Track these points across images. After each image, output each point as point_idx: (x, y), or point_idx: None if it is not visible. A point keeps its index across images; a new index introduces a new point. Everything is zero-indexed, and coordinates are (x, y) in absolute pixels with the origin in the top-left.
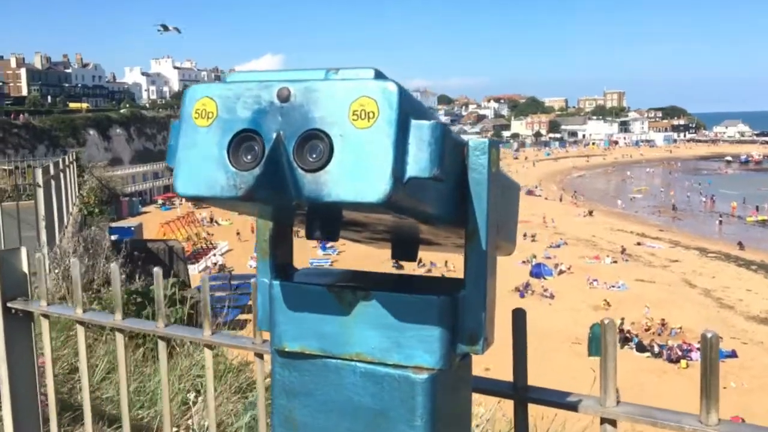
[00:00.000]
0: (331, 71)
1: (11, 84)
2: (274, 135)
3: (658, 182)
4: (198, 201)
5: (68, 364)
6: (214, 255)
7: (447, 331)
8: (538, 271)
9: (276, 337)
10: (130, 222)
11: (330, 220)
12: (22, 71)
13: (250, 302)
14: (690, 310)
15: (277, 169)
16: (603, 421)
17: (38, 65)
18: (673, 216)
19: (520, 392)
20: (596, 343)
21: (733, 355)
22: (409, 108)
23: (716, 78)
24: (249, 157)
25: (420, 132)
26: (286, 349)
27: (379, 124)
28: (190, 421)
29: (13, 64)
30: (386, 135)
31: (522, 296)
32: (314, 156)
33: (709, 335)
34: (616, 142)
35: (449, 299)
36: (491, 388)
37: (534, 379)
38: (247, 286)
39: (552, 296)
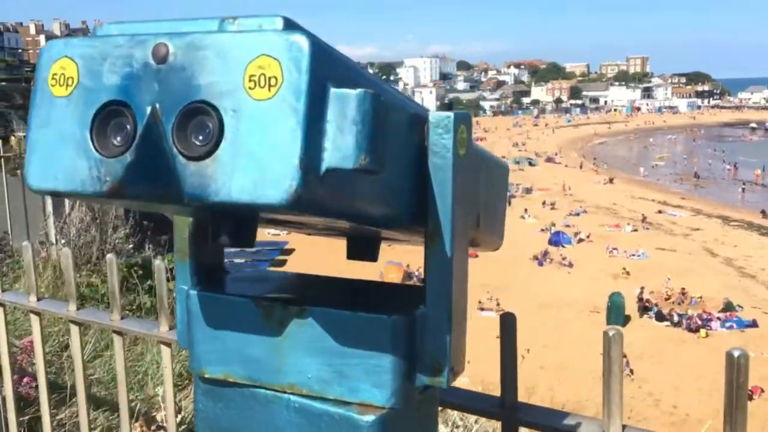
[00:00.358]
0: (227, 21)
1: (30, 51)
2: (149, 109)
3: (681, 149)
4: (56, 196)
5: (58, 342)
6: None
7: (401, 359)
8: (557, 240)
9: (194, 360)
10: None
11: (241, 222)
12: (41, 38)
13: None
14: (711, 279)
15: (154, 156)
16: None
17: (57, 32)
18: (695, 184)
19: (508, 411)
20: (614, 312)
21: (753, 324)
22: (327, 71)
23: (742, 43)
24: (118, 138)
25: (343, 105)
26: (207, 375)
27: (283, 95)
28: (183, 403)
29: (33, 30)
30: (293, 110)
31: (540, 264)
32: (200, 138)
33: (736, 354)
34: (639, 109)
35: (405, 319)
36: (473, 405)
37: (549, 349)
38: (266, 253)
39: (571, 265)
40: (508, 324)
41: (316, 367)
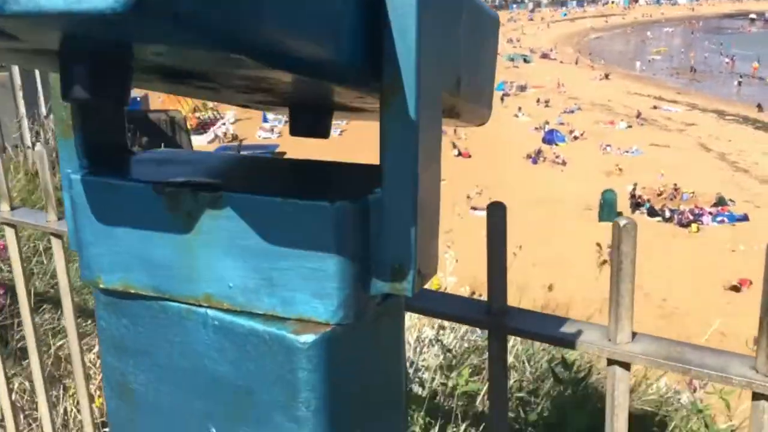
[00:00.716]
0: None
1: None
2: None
3: (678, 43)
4: None
5: (30, 248)
6: (224, 124)
7: (350, 260)
8: (550, 138)
9: (85, 266)
10: (135, 92)
11: (103, 62)
12: None
13: None
14: (704, 175)
15: None
16: (612, 362)
17: None
18: (692, 78)
19: (495, 318)
20: (607, 209)
21: (744, 218)
22: None
23: None
24: None
25: None
26: (102, 285)
27: None
28: None
29: None
30: None
31: (534, 162)
32: None
33: None
34: (636, 1)
35: (353, 206)
36: (455, 311)
37: (541, 247)
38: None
39: (564, 163)
40: (496, 216)
41: (239, 272)
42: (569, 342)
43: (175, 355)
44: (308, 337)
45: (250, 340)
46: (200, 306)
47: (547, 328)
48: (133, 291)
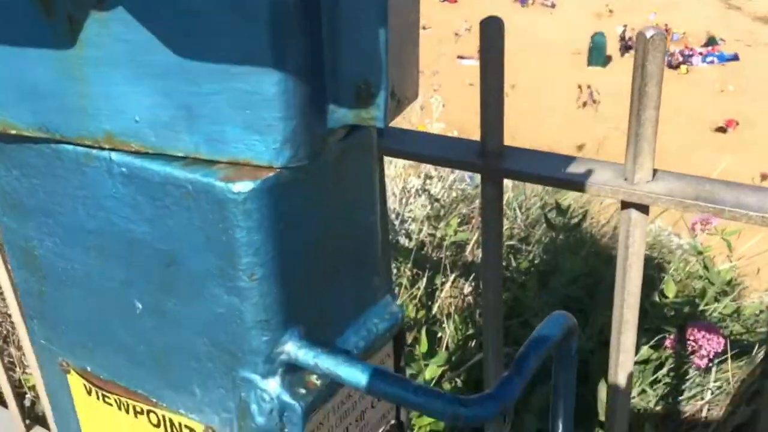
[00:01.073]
0: None
1: None
2: None
3: None
4: None
5: None
6: None
7: (298, 78)
8: None
9: None
10: None
11: None
12: None
13: None
14: (696, 14)
15: None
16: (627, 205)
17: None
18: None
19: (490, 160)
20: (596, 53)
21: (735, 58)
22: None
23: None
24: None
25: None
26: None
27: None
28: None
29: None
30: None
31: (523, 4)
32: None
33: None
34: None
35: (297, 4)
36: (443, 153)
37: (528, 93)
38: None
39: (553, 5)
40: (492, 31)
41: (146, 101)
42: (578, 184)
43: (81, 214)
44: (244, 185)
45: (168, 191)
46: (102, 149)
47: (551, 168)
48: (14, 132)
